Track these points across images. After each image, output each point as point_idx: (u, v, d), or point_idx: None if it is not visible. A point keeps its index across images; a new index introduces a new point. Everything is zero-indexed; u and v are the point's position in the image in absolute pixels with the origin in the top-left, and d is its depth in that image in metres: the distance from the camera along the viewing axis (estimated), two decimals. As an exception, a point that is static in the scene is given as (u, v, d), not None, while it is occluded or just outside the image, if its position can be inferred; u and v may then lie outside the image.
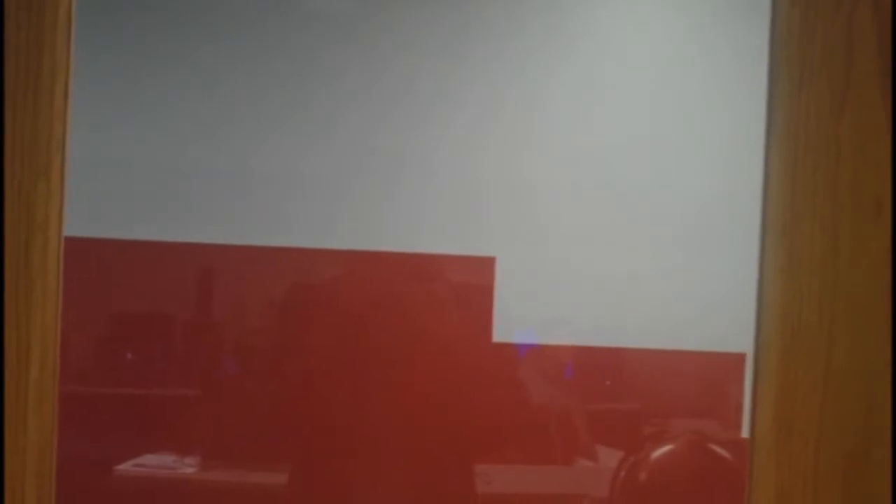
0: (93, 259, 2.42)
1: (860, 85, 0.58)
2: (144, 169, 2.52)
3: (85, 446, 2.28)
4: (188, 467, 2.47)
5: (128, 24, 2.54)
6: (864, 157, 0.57)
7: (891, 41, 0.57)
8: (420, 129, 2.73)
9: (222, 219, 2.60)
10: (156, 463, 2.42)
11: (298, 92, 2.65)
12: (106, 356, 2.53)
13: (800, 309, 0.56)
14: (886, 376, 0.56)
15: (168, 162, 2.53)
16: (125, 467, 2.38)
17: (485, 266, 2.56)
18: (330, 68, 2.65)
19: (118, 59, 2.51)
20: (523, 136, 2.41)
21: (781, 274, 0.57)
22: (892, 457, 0.56)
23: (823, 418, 0.56)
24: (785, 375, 0.56)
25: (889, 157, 0.57)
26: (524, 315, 2.57)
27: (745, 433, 0.86)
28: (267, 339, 2.70)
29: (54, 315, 0.60)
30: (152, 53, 2.57)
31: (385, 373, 2.71)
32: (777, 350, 0.56)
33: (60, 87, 0.61)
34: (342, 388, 2.70)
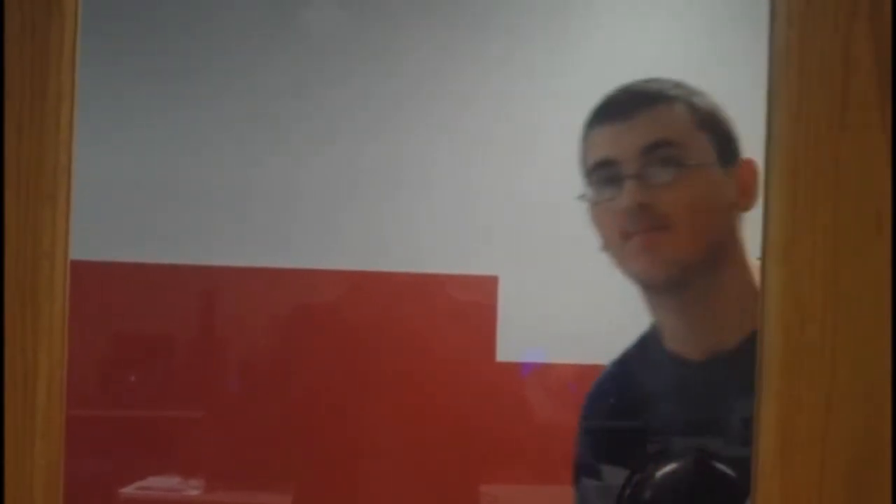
0: (97, 282, 2.43)
1: (859, 101, 0.58)
2: (146, 191, 2.54)
3: (90, 469, 2.28)
4: (193, 489, 2.47)
5: (127, 47, 2.56)
6: (863, 173, 0.58)
7: (889, 58, 0.58)
8: (421, 149, 2.75)
9: (225, 240, 2.61)
10: (161, 485, 2.43)
11: (299, 113, 2.66)
12: (110, 379, 2.54)
13: (802, 326, 0.57)
14: (890, 392, 0.56)
15: (169, 184, 2.55)
16: (130, 490, 2.38)
17: (488, 285, 2.58)
18: (328, 87, 2.66)
19: (118, 82, 2.53)
20: (525, 155, 2.42)
21: (783, 291, 0.57)
22: (897, 473, 0.56)
23: (827, 435, 0.56)
24: (788, 392, 0.56)
25: (889, 174, 0.57)
26: (527, 334, 2.58)
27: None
28: (270, 359, 2.70)
29: (61, 340, 0.61)
30: (152, 78, 2.58)
31: (389, 393, 2.72)
32: (779, 366, 0.57)
33: (66, 113, 0.62)
34: (345, 409, 2.71)
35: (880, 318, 0.56)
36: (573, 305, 2.34)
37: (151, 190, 2.39)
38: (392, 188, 2.43)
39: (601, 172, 1.14)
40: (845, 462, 0.56)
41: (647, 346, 1.22)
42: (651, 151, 1.10)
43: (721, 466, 1.09)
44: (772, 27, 0.60)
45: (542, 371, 2.36)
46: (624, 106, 1.13)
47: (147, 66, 2.43)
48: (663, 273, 1.10)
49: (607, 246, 1.15)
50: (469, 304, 2.40)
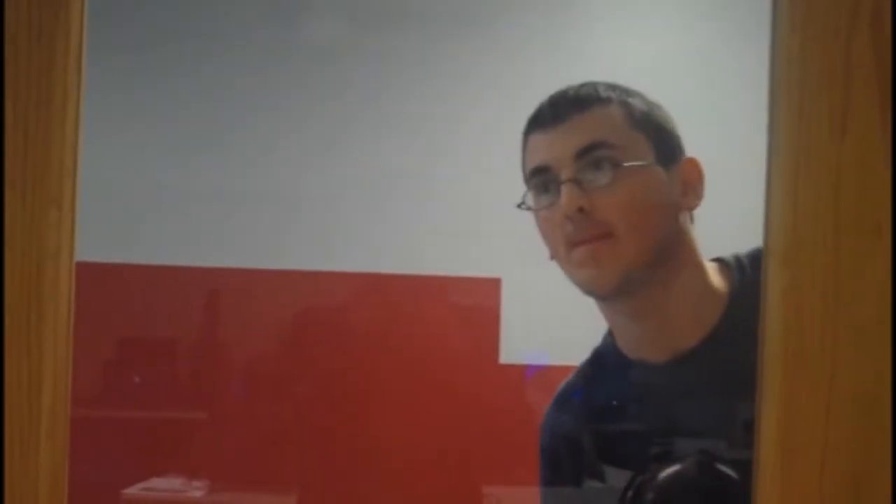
0: (101, 283, 2.43)
1: (859, 108, 0.58)
2: (149, 193, 2.54)
3: (93, 470, 2.29)
4: (196, 490, 2.48)
5: (129, 50, 2.56)
6: (864, 179, 0.58)
7: (890, 65, 0.58)
8: (423, 151, 2.75)
9: (228, 242, 2.62)
10: (164, 486, 2.43)
11: (301, 114, 2.67)
12: (114, 380, 2.54)
13: (802, 331, 0.57)
14: (890, 398, 0.56)
15: (173, 186, 2.55)
16: (133, 491, 2.38)
17: (491, 287, 2.58)
18: (332, 91, 2.67)
19: (122, 84, 2.53)
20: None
21: (783, 296, 0.58)
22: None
23: (827, 440, 0.56)
24: (788, 397, 0.57)
25: (889, 180, 0.58)
26: (531, 336, 2.58)
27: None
28: (274, 361, 2.71)
29: (66, 342, 0.61)
30: (155, 81, 2.59)
31: (392, 395, 2.73)
32: (780, 372, 0.57)
33: (71, 116, 0.62)
34: (349, 411, 2.71)
35: (880, 323, 0.56)
36: (577, 307, 2.33)
37: (155, 192, 2.39)
38: (395, 190, 2.43)
39: (538, 179, 1.14)
40: (846, 465, 0.56)
41: (603, 357, 1.21)
42: (585, 154, 1.09)
43: (724, 468, 1.08)
44: (774, 32, 0.61)
45: (546, 373, 2.36)
46: (557, 111, 1.12)
47: (150, 68, 2.44)
48: (609, 284, 1.09)
49: (555, 255, 1.14)
50: (472, 306, 2.40)
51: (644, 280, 1.09)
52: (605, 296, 1.13)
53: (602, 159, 1.08)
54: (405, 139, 2.44)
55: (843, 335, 0.56)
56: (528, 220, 2.41)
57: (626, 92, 1.13)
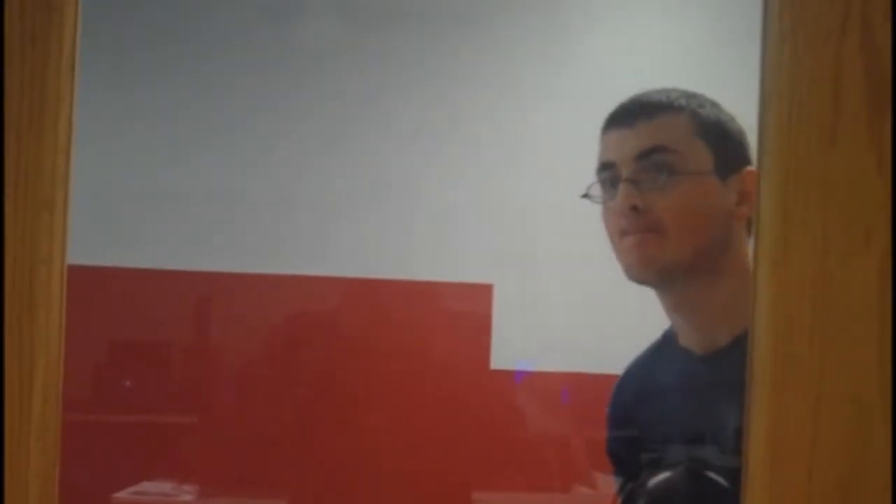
0: (92, 287, 2.42)
1: (849, 116, 0.59)
2: (142, 197, 2.53)
3: (84, 474, 2.28)
4: (186, 494, 2.47)
5: (121, 53, 2.55)
6: (853, 187, 0.58)
7: (883, 72, 0.59)
8: (416, 156, 2.75)
9: (220, 246, 2.60)
10: (154, 490, 2.42)
11: (294, 120, 2.66)
12: (105, 384, 2.53)
13: (791, 337, 0.57)
14: (877, 404, 0.56)
15: (165, 190, 2.54)
16: (123, 495, 2.37)
17: (482, 293, 2.57)
18: (332, 91, 2.66)
19: (114, 87, 2.52)
20: (521, 162, 2.42)
21: (772, 301, 0.58)
22: (893, 487, 0.57)
23: (816, 447, 0.56)
24: (777, 404, 0.57)
25: (879, 188, 0.58)
26: (522, 342, 2.57)
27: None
28: (265, 365, 2.69)
29: (57, 346, 0.61)
30: (148, 84, 2.58)
31: (383, 400, 2.72)
32: (769, 379, 0.57)
33: (64, 120, 0.62)
34: (340, 416, 2.70)
35: (868, 330, 0.56)
36: (568, 314, 2.34)
37: (148, 195, 2.39)
38: (387, 195, 2.43)
39: (604, 174, 1.21)
40: (834, 472, 0.56)
41: (668, 338, 1.28)
42: (645, 157, 1.16)
43: (714, 476, 1.09)
44: (764, 41, 0.61)
45: (536, 379, 2.36)
46: (629, 113, 1.20)
47: (143, 71, 2.43)
48: (648, 273, 1.17)
49: (611, 242, 1.22)
50: (464, 312, 2.40)
51: (684, 277, 1.17)
52: (645, 283, 1.20)
53: (661, 163, 1.16)
54: (399, 143, 2.44)
55: (832, 342, 0.57)
56: (520, 226, 2.41)
57: (701, 102, 1.21)
